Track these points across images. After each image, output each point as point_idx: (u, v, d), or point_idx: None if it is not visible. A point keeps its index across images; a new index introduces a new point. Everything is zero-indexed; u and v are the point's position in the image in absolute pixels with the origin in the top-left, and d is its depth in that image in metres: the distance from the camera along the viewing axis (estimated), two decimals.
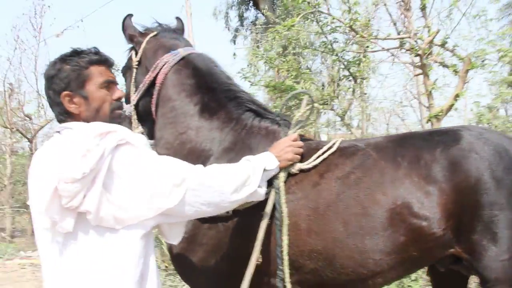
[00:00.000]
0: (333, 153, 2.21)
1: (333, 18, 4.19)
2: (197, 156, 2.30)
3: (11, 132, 13.17)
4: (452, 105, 4.16)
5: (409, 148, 2.19)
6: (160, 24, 2.66)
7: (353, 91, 5.32)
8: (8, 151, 13.54)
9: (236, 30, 17.47)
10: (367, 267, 2.12)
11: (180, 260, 2.26)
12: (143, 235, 1.60)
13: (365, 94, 10.02)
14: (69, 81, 1.68)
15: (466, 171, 2.07)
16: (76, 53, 1.74)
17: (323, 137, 9.22)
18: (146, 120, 2.54)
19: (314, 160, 2.17)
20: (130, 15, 2.60)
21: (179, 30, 2.70)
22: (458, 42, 5.12)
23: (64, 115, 1.72)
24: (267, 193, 2.04)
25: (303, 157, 2.19)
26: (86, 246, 1.53)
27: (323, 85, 6.20)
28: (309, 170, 2.16)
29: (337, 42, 5.04)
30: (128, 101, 2.56)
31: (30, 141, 12.48)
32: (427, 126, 5.01)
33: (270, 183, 2.06)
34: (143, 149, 1.67)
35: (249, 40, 16.01)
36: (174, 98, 2.42)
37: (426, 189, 2.08)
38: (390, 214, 2.07)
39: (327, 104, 5.11)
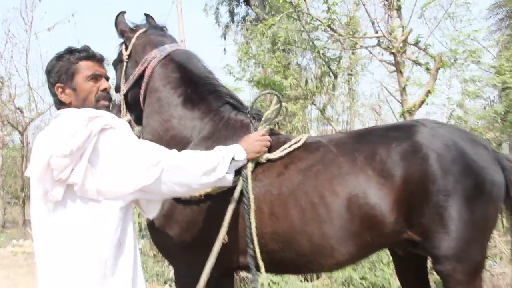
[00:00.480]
0: (298, 148, 2.44)
1: (312, 18, 4.42)
2: (178, 142, 2.53)
3: (2, 124, 13.26)
4: (424, 100, 4.42)
5: (366, 144, 2.42)
6: (148, 22, 2.90)
7: (333, 86, 5.57)
8: (0, 143, 13.63)
9: (227, 26, 17.63)
10: (323, 252, 2.34)
11: (158, 235, 2.50)
12: (122, 207, 1.84)
13: (353, 90, 10.28)
14: (60, 75, 1.95)
15: (416, 163, 2.30)
16: (69, 51, 1.99)
17: (312, 133, 9.47)
18: (134, 108, 2.77)
19: (281, 152, 2.40)
20: (123, 12, 2.84)
21: (164, 27, 2.93)
22: (442, 41, 5.40)
23: (59, 104, 1.99)
24: (236, 181, 2.27)
25: (272, 149, 2.43)
26: (73, 214, 1.78)
27: (306, 81, 6.44)
28: (275, 160, 2.40)
29: (319, 39, 5.28)
30: (118, 91, 2.80)
31: (21, 133, 12.58)
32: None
33: (240, 172, 2.28)
34: (125, 134, 1.91)
35: (240, 36, 16.15)
36: (161, 89, 2.65)
37: (380, 181, 2.30)
38: (346, 204, 2.29)
39: (307, 99, 5.37)
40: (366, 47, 4.97)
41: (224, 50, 14.92)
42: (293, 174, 2.38)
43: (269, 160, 2.39)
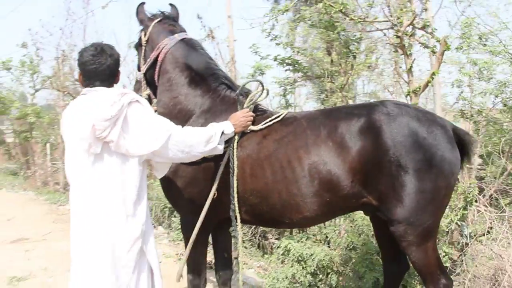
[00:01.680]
0: (277, 122, 2.95)
1: (325, 4, 4.75)
2: (184, 114, 3.11)
3: (63, 95, 14.47)
4: (429, 82, 4.66)
5: (332, 120, 2.85)
6: (163, 12, 3.44)
7: (352, 66, 5.87)
8: (62, 112, 14.87)
9: (275, 0, 17.83)
10: (290, 207, 2.83)
11: (167, 188, 3.11)
12: (142, 161, 2.49)
13: (400, 67, 10.34)
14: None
15: (371, 137, 2.68)
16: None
17: None
18: (152, 85, 3.36)
19: (262, 125, 2.93)
20: (142, 3, 3.43)
21: (176, 17, 3.47)
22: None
23: (111, 83, 2.60)
24: (226, 148, 2.83)
25: (257, 122, 2.95)
26: (108, 164, 2.43)
27: (331, 60, 6.74)
28: (258, 131, 2.92)
29: (339, 22, 5.56)
30: (139, 69, 3.40)
31: None
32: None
33: (229, 141, 2.85)
34: (146, 107, 2.56)
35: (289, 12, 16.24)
36: (171, 71, 3.23)
37: (338, 151, 2.72)
38: (308, 169, 2.76)
39: (325, 77, 5.74)
40: (382, 30, 5.22)
41: (273, 25, 15.21)
42: (269, 143, 2.89)
43: (252, 131, 2.91)
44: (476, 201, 4.32)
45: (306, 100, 11.06)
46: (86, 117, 2.33)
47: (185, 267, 3.11)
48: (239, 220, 2.89)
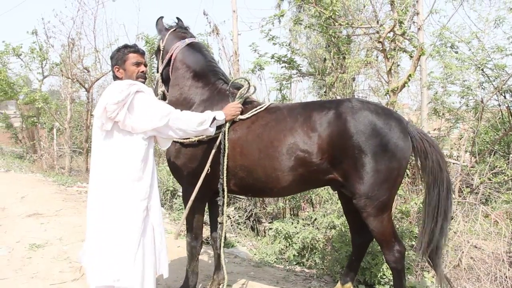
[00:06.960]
0: (263, 110, 3.57)
1: (316, 10, 5.34)
2: (187, 102, 3.75)
3: (71, 82, 15.05)
4: (406, 83, 5.26)
5: (307, 110, 3.43)
6: (177, 23, 4.11)
7: (341, 66, 6.45)
8: (69, 99, 15.47)
9: None
10: (271, 179, 3.40)
11: (173, 164, 3.74)
12: (147, 137, 3.08)
13: (398, 65, 10.91)
14: (117, 60, 3.21)
15: (337, 125, 3.26)
16: (124, 46, 3.25)
17: None
18: (166, 83, 4.03)
19: (249, 114, 3.54)
20: (161, 17, 4.17)
21: (188, 27, 4.14)
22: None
23: (115, 78, 3.23)
24: (219, 133, 3.44)
25: (246, 111, 3.56)
26: (117, 139, 3.02)
27: (325, 59, 7.33)
28: (246, 119, 3.53)
29: (330, 25, 6.15)
30: (158, 71, 4.04)
31: (87, 91, 14.22)
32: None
33: (221, 127, 3.46)
34: (151, 96, 3.15)
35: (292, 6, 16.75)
36: (180, 68, 3.89)
37: (310, 135, 3.30)
38: (286, 148, 3.33)
39: (313, 75, 6.33)
40: (368, 34, 5.80)
41: (279, 21, 15.76)
42: (256, 127, 3.49)
43: (240, 119, 3.53)
44: None
45: (304, 95, 11.67)
46: (102, 101, 2.93)
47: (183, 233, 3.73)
48: (225, 192, 3.53)
